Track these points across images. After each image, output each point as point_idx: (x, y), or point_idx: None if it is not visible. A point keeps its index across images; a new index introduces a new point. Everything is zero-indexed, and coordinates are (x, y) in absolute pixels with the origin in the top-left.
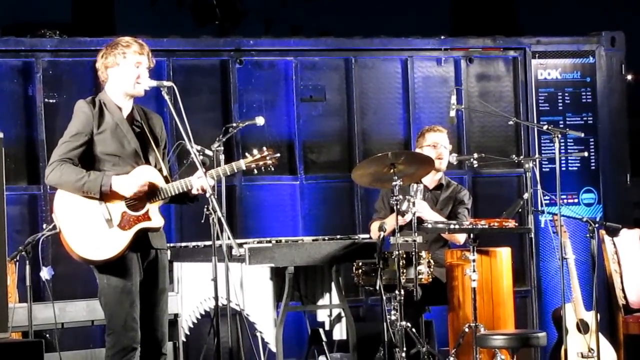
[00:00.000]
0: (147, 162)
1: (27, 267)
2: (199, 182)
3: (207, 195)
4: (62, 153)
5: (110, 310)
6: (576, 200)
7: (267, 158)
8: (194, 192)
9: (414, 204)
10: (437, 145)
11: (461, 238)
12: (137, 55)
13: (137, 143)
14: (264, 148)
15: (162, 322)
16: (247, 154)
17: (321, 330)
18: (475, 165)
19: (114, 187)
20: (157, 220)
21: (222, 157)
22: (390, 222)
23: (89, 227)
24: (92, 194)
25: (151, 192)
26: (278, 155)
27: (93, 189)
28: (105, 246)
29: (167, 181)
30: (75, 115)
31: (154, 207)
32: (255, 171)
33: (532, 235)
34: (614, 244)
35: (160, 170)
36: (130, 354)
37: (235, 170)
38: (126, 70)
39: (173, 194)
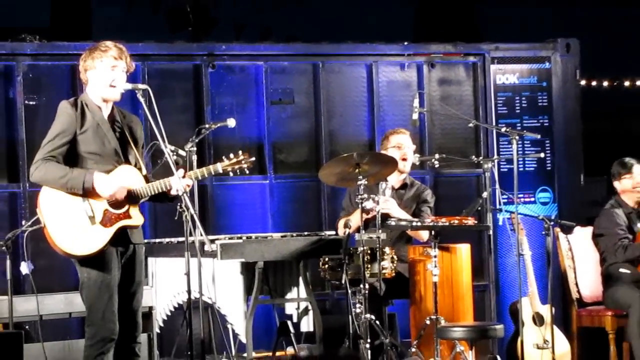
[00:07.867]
0: (127, 161)
1: (8, 261)
2: (178, 182)
3: (180, 193)
4: (46, 152)
5: (90, 303)
6: (532, 199)
7: (243, 162)
8: (173, 192)
9: (377, 202)
10: (401, 146)
11: (425, 235)
12: (112, 60)
13: (116, 142)
14: (240, 152)
15: (137, 313)
16: (224, 157)
17: (289, 323)
18: (437, 166)
19: (95, 185)
20: (137, 219)
21: (194, 157)
22: (356, 219)
23: (72, 223)
24: (76, 190)
25: (130, 196)
26: (253, 159)
27: (76, 186)
28: (87, 242)
29: (147, 180)
30: (58, 116)
31: (134, 206)
32: (231, 174)
33: (491, 233)
34: (568, 241)
35: (140, 170)
36: (108, 344)
37: (213, 173)
38: (102, 74)
39: (153, 193)
